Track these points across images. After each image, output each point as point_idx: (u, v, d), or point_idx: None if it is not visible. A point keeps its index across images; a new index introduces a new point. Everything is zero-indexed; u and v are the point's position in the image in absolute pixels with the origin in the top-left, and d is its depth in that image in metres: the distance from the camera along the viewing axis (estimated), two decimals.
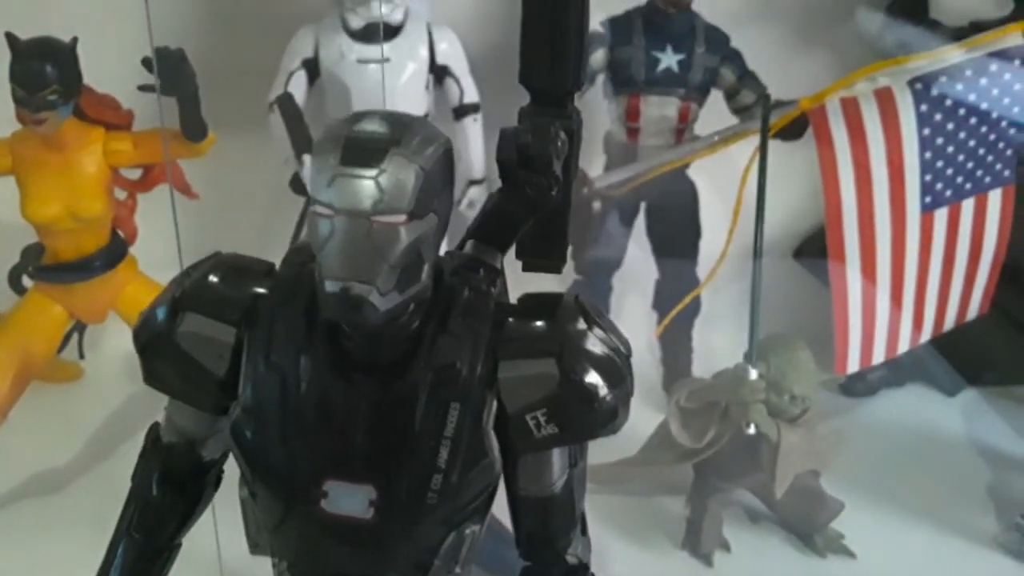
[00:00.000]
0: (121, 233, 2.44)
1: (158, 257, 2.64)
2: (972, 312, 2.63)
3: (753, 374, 2.24)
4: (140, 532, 1.27)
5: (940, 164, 2.36)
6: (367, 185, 0.98)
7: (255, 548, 1.19)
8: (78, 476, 2.68)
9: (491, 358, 1.09)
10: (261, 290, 1.13)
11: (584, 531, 1.20)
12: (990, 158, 2.41)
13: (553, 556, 1.17)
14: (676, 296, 2.76)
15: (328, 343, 1.09)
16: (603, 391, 1.09)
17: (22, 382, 2.37)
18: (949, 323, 2.61)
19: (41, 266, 2.37)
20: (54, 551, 2.41)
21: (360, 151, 0.99)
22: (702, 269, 2.90)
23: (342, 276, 0.99)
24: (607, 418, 1.10)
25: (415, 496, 1.07)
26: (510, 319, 1.11)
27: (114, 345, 3.03)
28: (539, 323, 1.11)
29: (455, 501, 1.09)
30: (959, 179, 2.40)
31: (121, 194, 2.46)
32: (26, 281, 2.50)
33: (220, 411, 1.18)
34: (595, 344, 1.10)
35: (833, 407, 2.90)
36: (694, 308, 2.93)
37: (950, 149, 2.36)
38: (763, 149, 2.32)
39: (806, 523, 2.51)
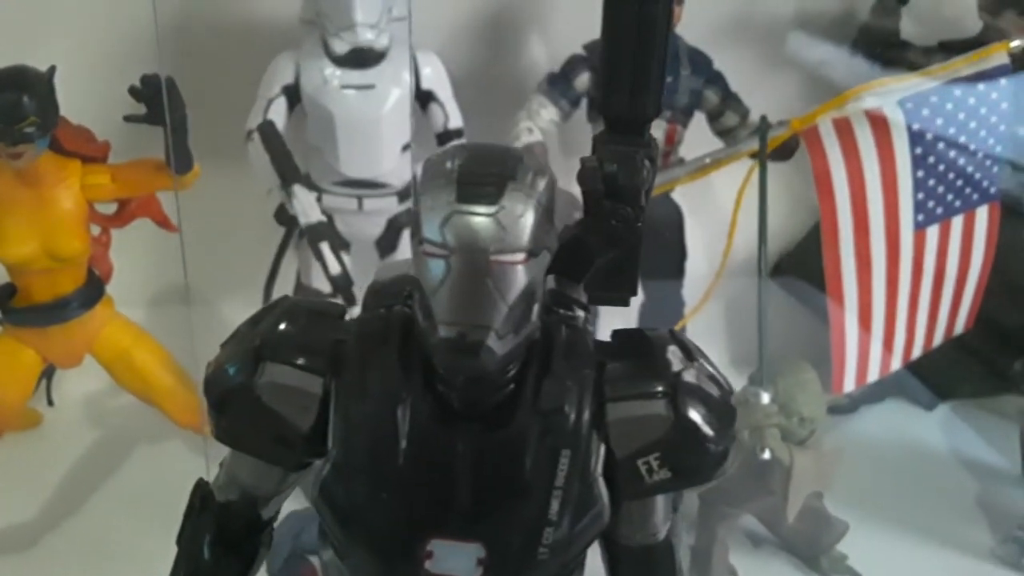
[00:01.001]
0: (96, 271, 2.30)
1: (132, 294, 2.54)
2: (959, 327, 2.67)
3: (765, 398, 2.22)
4: None
5: (932, 182, 2.39)
6: (487, 223, 0.92)
7: None
8: (46, 533, 2.54)
9: (597, 401, 1.03)
10: (344, 336, 1.05)
11: None
12: (978, 175, 2.44)
13: None
14: (661, 318, 2.73)
15: (425, 391, 1.01)
16: (716, 432, 1.04)
17: None
18: (938, 339, 2.65)
19: (13, 308, 2.22)
20: None
21: (477, 187, 0.93)
22: (687, 291, 2.89)
23: (459, 320, 0.93)
24: (720, 459, 1.05)
25: (526, 552, 1.00)
26: (612, 359, 1.05)
27: (73, 390, 2.90)
28: (645, 363, 1.06)
29: (566, 554, 1.03)
30: (949, 196, 2.43)
31: (94, 230, 2.33)
32: None
33: (296, 468, 1.10)
34: (704, 383, 1.05)
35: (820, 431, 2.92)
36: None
37: (941, 167, 2.39)
38: (763, 168, 2.31)
39: (812, 546, 2.49)
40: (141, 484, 2.76)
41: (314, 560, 2.09)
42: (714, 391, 1.06)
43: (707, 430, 1.03)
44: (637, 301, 3.10)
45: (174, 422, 2.40)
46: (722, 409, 1.05)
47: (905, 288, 2.48)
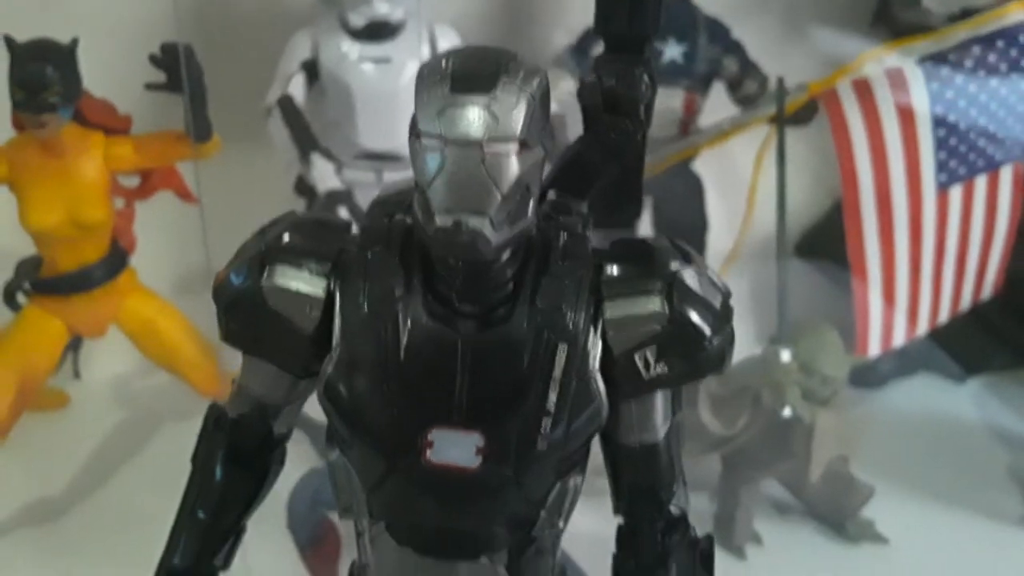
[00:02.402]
0: (120, 243, 2.35)
1: (155, 269, 2.58)
2: (987, 290, 2.63)
3: (786, 356, 2.21)
4: (205, 514, 1.19)
5: (953, 141, 2.37)
6: (480, 112, 0.94)
7: (346, 512, 1.12)
8: (74, 505, 2.58)
9: (595, 299, 1.05)
10: (348, 245, 1.07)
11: (684, 482, 1.14)
12: (1000, 134, 2.42)
13: (656, 508, 1.11)
14: None
15: (425, 290, 1.04)
16: (712, 328, 1.05)
17: (24, 400, 2.27)
18: (965, 302, 2.62)
19: (39, 279, 2.27)
20: None
21: (470, 79, 0.95)
22: (709, 263, 2.88)
23: (455, 208, 0.95)
24: (716, 355, 1.06)
25: (525, 441, 1.02)
26: (609, 261, 1.07)
27: (99, 371, 2.95)
28: (642, 263, 1.07)
29: (564, 447, 1.04)
30: (972, 156, 2.41)
31: (118, 203, 2.37)
32: (21, 298, 2.39)
33: (303, 373, 1.11)
34: (700, 282, 1.06)
35: (845, 399, 2.89)
36: None
37: (962, 126, 2.37)
38: (780, 131, 2.31)
39: (837, 510, 2.46)
40: (167, 460, 2.77)
41: (333, 516, 2.11)
42: (710, 289, 1.06)
43: (702, 325, 1.04)
44: None
45: (198, 392, 2.43)
46: (718, 305, 1.06)
47: (929, 250, 2.45)
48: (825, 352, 2.24)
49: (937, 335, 2.95)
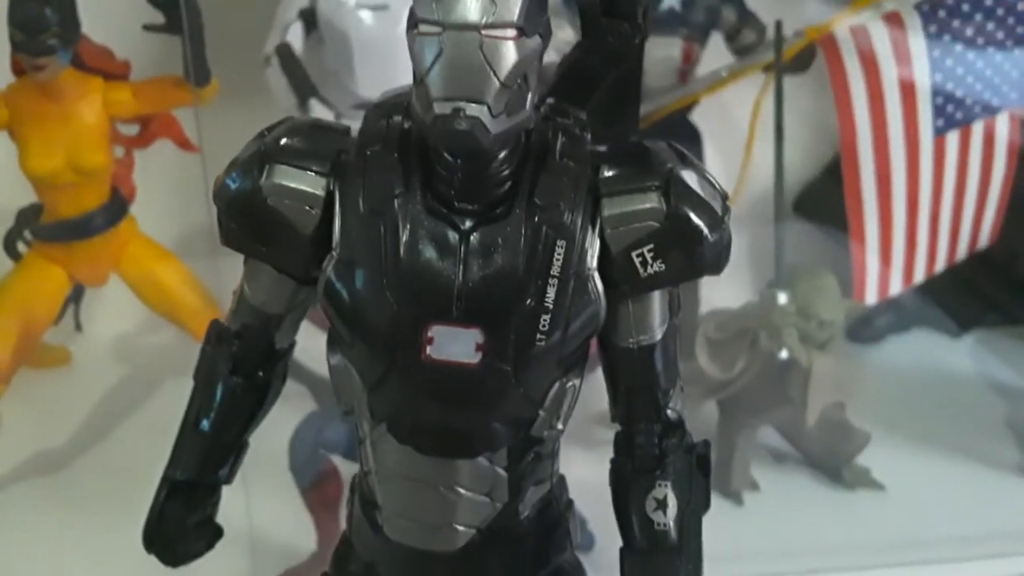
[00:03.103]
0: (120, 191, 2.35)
1: (157, 226, 2.58)
2: (983, 241, 2.64)
3: (783, 299, 2.22)
4: (207, 427, 1.20)
5: (950, 86, 2.37)
6: None
7: (347, 415, 1.13)
8: (76, 457, 2.61)
9: (593, 197, 1.05)
10: (348, 147, 1.07)
11: (682, 389, 1.15)
12: (996, 80, 2.42)
13: (653, 411, 1.12)
14: None
15: (425, 189, 1.04)
16: (709, 225, 1.05)
17: (25, 347, 2.28)
18: (962, 252, 2.62)
19: (40, 225, 2.28)
20: (57, 528, 2.35)
21: None
22: None
23: (453, 95, 0.95)
24: (713, 254, 1.07)
25: (523, 337, 1.03)
26: (606, 161, 1.07)
27: (101, 329, 2.96)
28: (638, 162, 1.07)
29: (562, 345, 1.04)
30: (968, 101, 2.41)
31: (118, 152, 2.38)
32: (21, 248, 2.40)
33: (304, 278, 1.12)
34: (697, 181, 1.06)
35: (842, 350, 2.90)
36: None
37: (959, 71, 2.37)
38: (778, 75, 2.31)
39: (833, 456, 2.48)
40: (169, 415, 2.78)
41: (335, 459, 2.12)
42: (708, 188, 1.07)
43: (699, 222, 1.05)
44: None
45: (198, 340, 2.43)
46: (715, 204, 1.06)
47: (926, 197, 2.46)
48: (822, 296, 2.25)
49: (933, 292, 2.97)
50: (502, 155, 1.02)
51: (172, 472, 1.22)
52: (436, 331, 1.02)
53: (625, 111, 1.21)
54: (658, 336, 1.11)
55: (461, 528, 1.12)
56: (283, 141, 1.09)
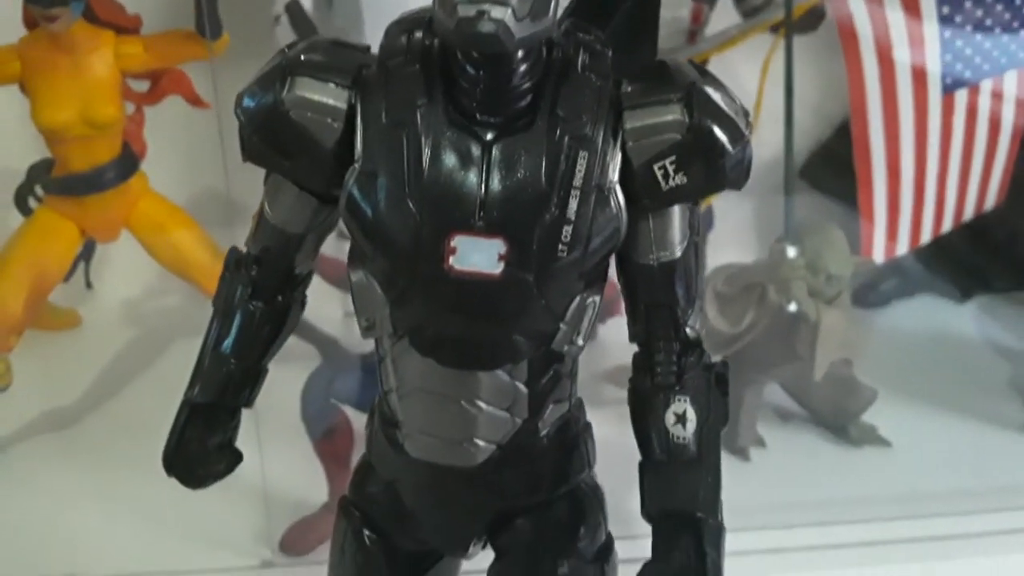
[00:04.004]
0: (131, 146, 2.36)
1: (167, 181, 2.59)
2: (990, 201, 2.65)
3: (792, 252, 2.23)
4: (227, 351, 1.21)
5: (959, 43, 2.37)
6: None
7: (368, 331, 1.13)
8: (87, 413, 2.63)
9: (615, 110, 1.06)
10: (369, 63, 1.08)
11: (702, 309, 1.16)
12: (1005, 38, 2.42)
13: (673, 328, 1.13)
14: None
15: (447, 100, 1.04)
16: (731, 139, 1.06)
17: (37, 300, 2.28)
18: (969, 212, 2.63)
19: (52, 179, 2.28)
20: (68, 480, 2.37)
21: None
22: None
23: None
24: (735, 168, 1.07)
25: (546, 248, 1.03)
26: (628, 75, 1.08)
27: (110, 292, 2.98)
28: (660, 76, 1.08)
29: (584, 258, 1.05)
30: (977, 59, 2.41)
31: (129, 109, 2.38)
32: (32, 204, 2.41)
33: (325, 194, 1.12)
34: (719, 94, 1.07)
35: (848, 307, 2.91)
36: (707, 222, 2.91)
37: (968, 28, 2.37)
38: (789, 32, 2.31)
39: (840, 413, 2.50)
40: (178, 375, 2.80)
41: (346, 409, 2.14)
42: (729, 101, 1.07)
43: (720, 134, 1.05)
44: None
45: (209, 296, 2.44)
46: (736, 117, 1.07)
47: (934, 155, 2.46)
48: (831, 250, 2.26)
49: (937, 258, 2.99)
50: (524, 67, 1.03)
51: (192, 395, 1.23)
52: (459, 241, 1.02)
53: (643, 39, 1.21)
54: (678, 253, 1.11)
55: (482, 443, 1.13)
56: (305, 55, 1.09)
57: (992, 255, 3.02)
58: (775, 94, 2.51)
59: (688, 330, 1.13)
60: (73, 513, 2.28)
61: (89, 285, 2.71)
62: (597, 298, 1.11)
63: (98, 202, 2.29)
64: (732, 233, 2.95)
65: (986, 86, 2.45)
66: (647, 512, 1.12)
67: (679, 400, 1.11)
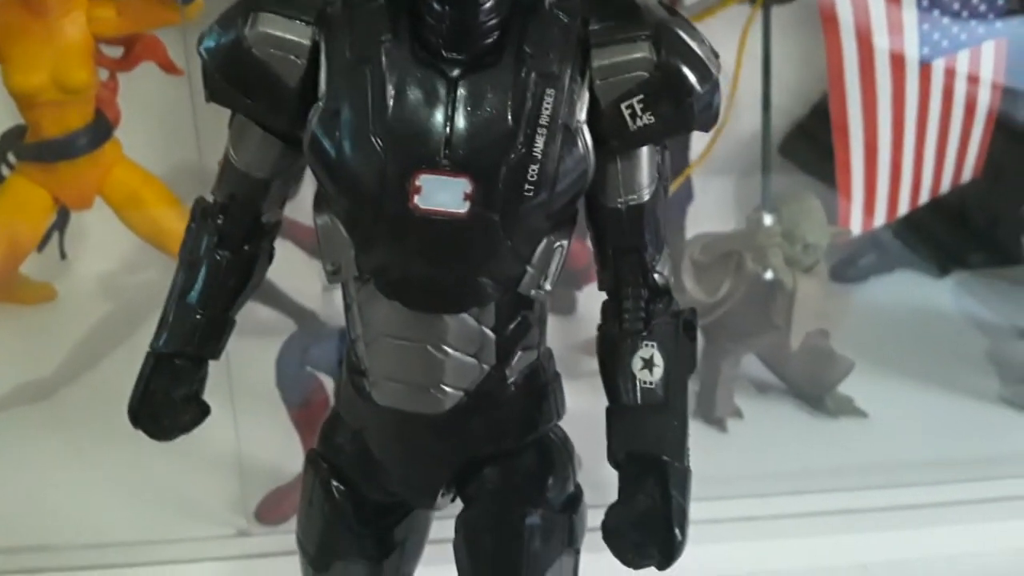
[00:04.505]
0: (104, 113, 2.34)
1: (140, 144, 2.56)
2: (967, 174, 2.65)
3: (768, 220, 2.23)
4: (193, 301, 1.20)
5: (936, 13, 2.38)
6: None
7: (334, 275, 1.12)
8: (62, 386, 2.61)
9: (582, 48, 1.05)
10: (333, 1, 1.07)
11: (668, 256, 1.16)
12: (982, 7, 2.42)
13: (640, 273, 1.12)
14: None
15: (413, 37, 1.03)
16: (699, 78, 1.05)
17: (8, 268, 2.27)
18: (945, 184, 2.63)
19: (24, 145, 2.26)
20: (45, 452, 2.36)
21: None
22: (695, 154, 2.88)
23: None
24: (703, 108, 1.06)
25: (512, 187, 1.02)
26: (596, 13, 1.07)
27: (86, 266, 2.96)
28: (628, 14, 1.07)
29: (551, 198, 1.04)
30: (954, 29, 2.41)
31: (103, 75, 2.36)
32: (4, 171, 2.39)
33: (288, 135, 1.11)
34: (687, 32, 1.06)
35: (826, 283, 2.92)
36: (686, 195, 2.90)
37: None
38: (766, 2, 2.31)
39: (817, 384, 2.50)
40: None
41: (321, 376, 2.13)
42: (698, 41, 1.07)
43: (689, 73, 1.05)
44: None
45: None
46: (704, 56, 1.06)
47: (911, 126, 2.47)
48: (808, 219, 2.26)
49: (915, 233, 3.00)
50: (490, 3, 1.01)
51: (157, 345, 1.22)
52: (424, 180, 1.01)
53: None
54: (646, 196, 1.11)
55: (449, 390, 1.13)
56: None
57: (970, 234, 3.04)
58: (755, 67, 2.52)
59: (656, 276, 1.13)
60: (50, 484, 2.27)
61: (63, 255, 2.68)
62: (565, 242, 1.10)
63: (71, 169, 2.27)
64: (713, 207, 2.96)
65: (963, 57, 2.45)
66: (613, 457, 1.11)
67: (646, 345, 1.11)
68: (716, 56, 1.09)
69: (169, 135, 2.60)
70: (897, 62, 2.38)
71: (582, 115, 1.04)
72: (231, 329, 1.26)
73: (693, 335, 1.15)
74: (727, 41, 2.64)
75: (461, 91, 1.02)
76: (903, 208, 2.60)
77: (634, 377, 1.11)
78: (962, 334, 2.89)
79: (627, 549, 1.06)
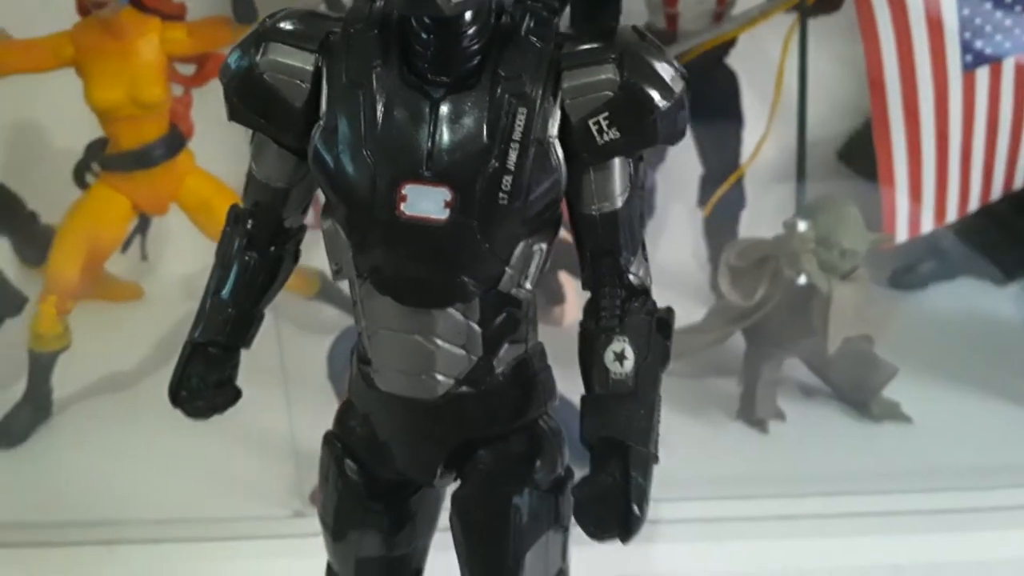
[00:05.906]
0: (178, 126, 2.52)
1: (213, 155, 2.74)
2: (1019, 180, 2.63)
3: (802, 226, 2.27)
4: (225, 296, 1.33)
5: (978, 21, 2.38)
6: None
7: (337, 274, 1.24)
8: (145, 376, 2.79)
9: (554, 71, 1.15)
10: (337, 25, 1.20)
11: (646, 259, 1.24)
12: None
13: (617, 275, 1.21)
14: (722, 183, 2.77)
15: (402, 62, 1.15)
16: (661, 94, 1.13)
17: (92, 268, 2.47)
18: (996, 191, 2.62)
19: (106, 156, 2.46)
20: (123, 437, 2.55)
21: None
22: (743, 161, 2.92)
23: None
24: (667, 124, 1.15)
25: (488, 195, 1.13)
26: (570, 39, 1.17)
27: (171, 269, 3.15)
28: (599, 40, 1.17)
29: (524, 205, 1.14)
30: (998, 37, 2.41)
31: (177, 91, 2.55)
32: (89, 179, 2.60)
33: (299, 150, 1.23)
34: (653, 53, 1.15)
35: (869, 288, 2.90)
36: (738, 201, 2.94)
37: (987, 5, 2.37)
38: (802, 13, 2.35)
39: (860, 389, 2.52)
40: None
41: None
42: (663, 63, 1.15)
43: (650, 91, 1.13)
44: (697, 171, 3.15)
45: None
46: (668, 75, 1.14)
47: (956, 133, 2.47)
48: (844, 225, 2.29)
49: (977, 240, 2.96)
50: (472, 31, 1.13)
51: (194, 335, 1.36)
52: (409, 189, 1.14)
53: (607, 4, 1.29)
54: (619, 204, 1.20)
55: (441, 377, 1.24)
56: (279, 24, 1.21)
57: None
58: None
59: (631, 277, 1.22)
60: (125, 466, 2.46)
61: (144, 257, 2.88)
62: (544, 245, 1.20)
63: (147, 177, 2.47)
64: (771, 212, 2.98)
65: (1008, 64, 2.44)
66: (585, 440, 1.20)
67: (618, 340, 1.20)
68: (684, 77, 1.17)
69: (239, 146, 2.77)
70: (939, 71, 2.39)
71: (554, 131, 1.15)
72: (260, 322, 1.39)
73: (668, 333, 1.23)
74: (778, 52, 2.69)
75: (443, 110, 1.14)
76: (951, 215, 2.60)
77: (606, 369, 1.19)
78: (1019, 342, 2.86)
79: (590, 522, 1.15)
